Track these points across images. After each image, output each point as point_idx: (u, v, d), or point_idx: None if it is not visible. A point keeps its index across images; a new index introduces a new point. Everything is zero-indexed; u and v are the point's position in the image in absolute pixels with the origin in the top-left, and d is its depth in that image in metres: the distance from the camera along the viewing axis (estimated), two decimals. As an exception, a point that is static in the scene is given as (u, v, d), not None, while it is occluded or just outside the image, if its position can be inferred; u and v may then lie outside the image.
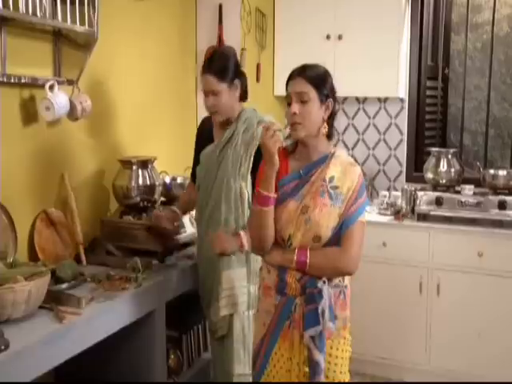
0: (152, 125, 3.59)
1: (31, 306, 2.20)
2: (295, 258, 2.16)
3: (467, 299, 3.82)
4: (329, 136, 2.25)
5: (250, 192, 2.66)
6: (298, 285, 2.18)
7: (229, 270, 2.70)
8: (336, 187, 2.17)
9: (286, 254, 2.19)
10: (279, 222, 2.19)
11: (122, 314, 2.47)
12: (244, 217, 2.69)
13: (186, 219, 3.13)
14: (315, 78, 2.16)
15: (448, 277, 3.86)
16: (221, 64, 2.66)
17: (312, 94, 2.15)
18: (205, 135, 2.90)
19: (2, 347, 1.88)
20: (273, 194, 2.16)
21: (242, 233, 2.65)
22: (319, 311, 2.12)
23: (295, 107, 2.15)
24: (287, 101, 2.20)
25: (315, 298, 2.14)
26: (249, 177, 2.70)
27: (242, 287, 2.71)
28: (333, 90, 2.22)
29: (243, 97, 2.78)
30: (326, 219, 2.15)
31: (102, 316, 2.35)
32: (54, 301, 2.32)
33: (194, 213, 3.04)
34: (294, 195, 2.19)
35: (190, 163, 3.89)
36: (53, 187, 2.90)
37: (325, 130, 2.20)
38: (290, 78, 2.21)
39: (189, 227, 3.16)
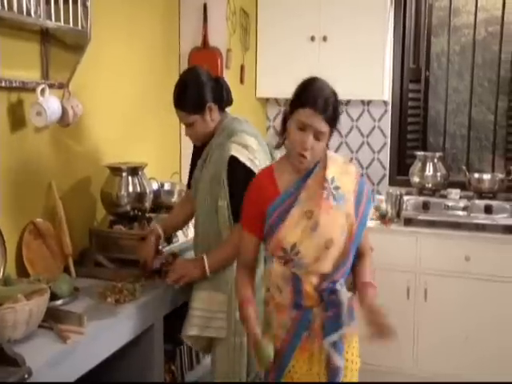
0: (137, 129, 3.46)
1: (31, 326, 2.06)
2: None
3: (454, 303, 3.83)
4: None
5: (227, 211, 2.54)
6: (316, 293, 2.13)
7: (202, 290, 2.60)
8: (338, 187, 2.12)
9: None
10: (281, 232, 2.10)
11: (124, 330, 2.35)
12: (221, 236, 2.57)
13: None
14: (332, 116, 2.07)
15: (435, 281, 3.85)
16: (188, 97, 2.58)
17: (327, 133, 2.09)
18: (199, 147, 2.77)
19: (26, 375, 1.73)
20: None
21: (204, 257, 2.55)
22: (343, 313, 2.09)
23: (310, 142, 2.06)
24: (298, 126, 2.07)
25: (335, 303, 2.11)
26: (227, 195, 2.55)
27: (218, 312, 2.58)
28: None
29: (223, 107, 2.69)
30: (335, 222, 2.09)
31: (104, 333, 2.23)
32: (52, 319, 2.19)
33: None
34: (293, 205, 2.11)
35: (176, 168, 3.81)
36: (40, 196, 2.74)
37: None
38: (310, 106, 2.04)
39: (180, 236, 3.06)
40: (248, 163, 2.49)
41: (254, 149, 2.54)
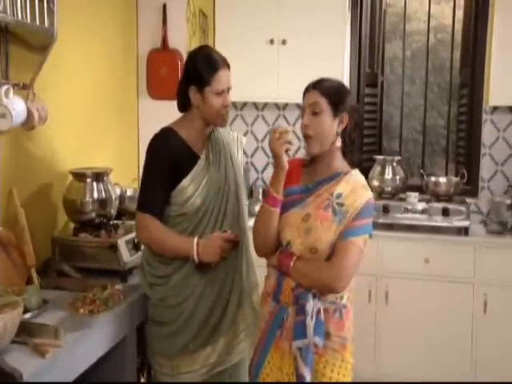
0: (96, 133, 3.32)
1: (5, 341, 1.94)
2: (277, 257, 2.16)
3: (415, 306, 3.87)
4: (344, 153, 2.22)
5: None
6: (292, 294, 2.15)
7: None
8: (342, 204, 2.12)
9: (277, 255, 2.18)
10: (280, 224, 2.17)
11: (100, 341, 2.28)
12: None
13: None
14: (328, 89, 2.15)
15: (396, 284, 3.89)
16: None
17: (324, 105, 2.11)
18: (183, 155, 2.44)
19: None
20: (280, 197, 2.15)
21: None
22: (306, 324, 2.08)
23: (306, 119, 2.13)
24: (302, 112, 2.19)
25: (303, 311, 2.10)
26: None
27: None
28: (349, 106, 2.17)
29: None
30: (324, 233, 2.11)
31: (82, 345, 2.14)
32: (25, 333, 2.06)
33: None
34: (298, 204, 2.17)
35: (135, 173, 3.68)
36: (0, 204, 2.59)
37: (338, 143, 2.17)
38: (306, 91, 2.19)
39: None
40: None
41: None
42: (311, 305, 2.09)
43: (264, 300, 2.27)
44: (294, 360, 2.12)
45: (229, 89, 2.44)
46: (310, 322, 2.08)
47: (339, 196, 2.12)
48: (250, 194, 4.39)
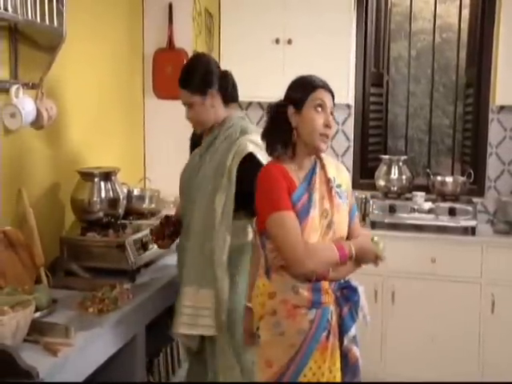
0: (103, 133, 3.32)
1: (17, 340, 1.95)
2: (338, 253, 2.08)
3: (421, 305, 3.87)
4: None
5: (225, 205, 2.48)
6: (331, 289, 2.13)
7: (189, 286, 2.50)
8: (339, 185, 2.20)
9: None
10: (303, 233, 2.07)
11: (110, 340, 2.28)
12: (214, 229, 2.48)
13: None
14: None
15: (402, 284, 3.88)
16: (194, 77, 2.56)
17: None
18: (195, 143, 2.73)
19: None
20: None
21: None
22: (360, 306, 2.15)
23: (332, 121, 2.12)
24: (317, 106, 2.10)
25: (349, 298, 2.14)
26: (231, 188, 2.49)
27: (205, 309, 2.48)
28: None
29: (227, 100, 2.62)
30: (344, 219, 2.18)
31: (92, 345, 2.14)
32: (36, 332, 2.06)
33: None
34: (310, 207, 2.12)
35: (140, 173, 3.69)
36: (9, 204, 2.59)
37: None
38: (322, 87, 2.13)
39: (155, 242, 2.95)
40: (264, 163, 2.44)
41: (264, 152, 2.45)
42: (361, 286, 2.17)
43: (293, 314, 2.12)
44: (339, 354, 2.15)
45: (184, 105, 2.59)
46: (365, 302, 2.17)
47: (334, 179, 2.18)
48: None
